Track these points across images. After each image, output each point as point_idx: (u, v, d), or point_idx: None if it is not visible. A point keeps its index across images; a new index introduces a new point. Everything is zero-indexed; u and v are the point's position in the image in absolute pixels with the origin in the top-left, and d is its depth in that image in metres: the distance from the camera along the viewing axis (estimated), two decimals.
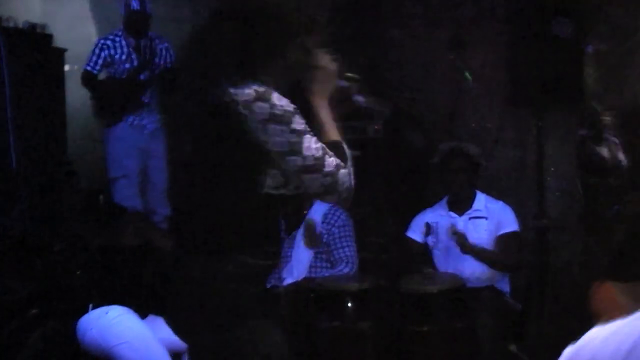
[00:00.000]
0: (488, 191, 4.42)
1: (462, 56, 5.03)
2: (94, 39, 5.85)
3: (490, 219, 4.30)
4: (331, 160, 2.14)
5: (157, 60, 5.54)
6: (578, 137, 4.65)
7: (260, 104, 2.12)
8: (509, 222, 4.27)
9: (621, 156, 4.92)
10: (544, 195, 4.43)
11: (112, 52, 5.50)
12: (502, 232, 4.25)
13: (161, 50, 5.59)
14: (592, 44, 4.83)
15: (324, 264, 4.45)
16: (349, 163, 2.21)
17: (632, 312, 1.44)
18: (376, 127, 4.61)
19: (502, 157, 4.90)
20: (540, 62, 4.42)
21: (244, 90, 2.14)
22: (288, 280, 4.34)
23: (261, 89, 2.14)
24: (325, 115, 2.25)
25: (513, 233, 4.26)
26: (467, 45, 5.08)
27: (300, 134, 2.13)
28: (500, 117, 4.85)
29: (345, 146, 2.27)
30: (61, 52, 5.69)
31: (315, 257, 4.45)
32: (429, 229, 4.27)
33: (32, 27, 5.68)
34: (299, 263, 4.44)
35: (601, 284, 3.11)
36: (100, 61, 5.50)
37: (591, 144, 4.86)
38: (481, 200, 4.37)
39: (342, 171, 2.16)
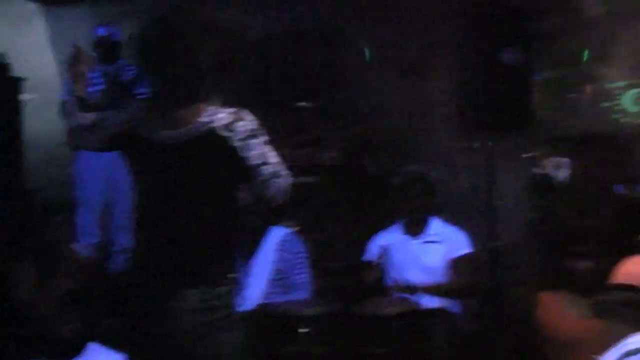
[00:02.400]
0: (441, 214, 4.49)
1: (415, 82, 5.15)
2: (52, 67, 5.85)
3: (444, 242, 4.36)
4: (282, 165, 2.37)
5: (125, 86, 5.51)
6: (525, 159, 4.77)
7: (240, 123, 2.29)
8: (462, 246, 4.35)
9: (566, 175, 5.02)
10: (495, 217, 4.52)
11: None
12: (456, 255, 4.33)
13: (131, 76, 5.55)
14: (541, 71, 4.96)
15: (279, 290, 4.47)
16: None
17: (581, 324, 1.48)
18: (331, 153, 4.67)
19: (455, 182, 4.99)
20: (491, 88, 4.55)
21: (218, 115, 2.29)
22: (244, 307, 4.35)
23: (234, 110, 2.31)
24: None
25: (466, 255, 4.33)
26: (421, 71, 5.19)
27: (266, 143, 2.34)
28: (454, 142, 4.94)
29: None
30: (18, 81, 5.68)
31: (271, 284, 4.47)
32: (383, 252, 4.31)
33: None
34: (255, 290, 4.45)
35: (550, 296, 3.21)
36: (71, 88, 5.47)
37: (538, 166, 4.98)
38: (436, 225, 4.43)
39: (289, 178, 2.40)
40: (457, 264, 4.30)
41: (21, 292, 3.93)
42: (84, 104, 2.65)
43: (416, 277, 4.25)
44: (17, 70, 5.72)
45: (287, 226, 4.73)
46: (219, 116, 2.30)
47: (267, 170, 2.32)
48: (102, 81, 5.47)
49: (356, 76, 5.39)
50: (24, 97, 5.86)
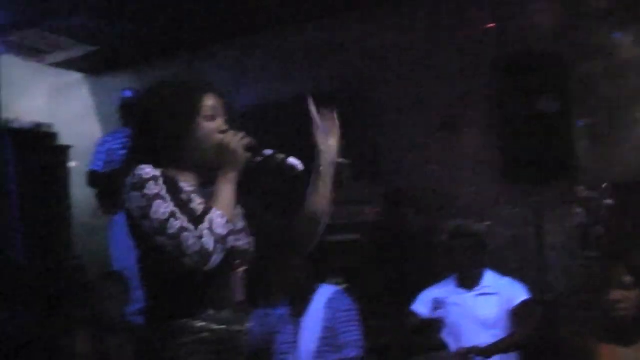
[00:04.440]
0: (492, 267, 4.45)
1: (454, 135, 5.15)
2: (98, 134, 6.00)
3: (500, 294, 4.30)
4: (176, 223, 2.15)
5: None
6: (574, 216, 4.71)
7: (129, 177, 2.22)
8: (520, 293, 4.28)
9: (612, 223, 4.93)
10: (546, 270, 4.45)
11: (112, 145, 5.63)
12: (515, 303, 4.27)
13: None
14: (581, 119, 4.93)
15: (330, 349, 4.45)
16: (220, 229, 2.18)
17: None
18: (372, 210, 4.67)
19: (502, 234, 4.94)
20: (530, 138, 4.53)
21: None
22: None
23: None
24: (224, 191, 2.28)
25: (527, 301, 4.27)
26: (459, 125, 5.20)
27: (151, 198, 2.17)
28: (497, 195, 4.91)
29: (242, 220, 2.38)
30: (66, 149, 5.83)
31: (321, 343, 4.46)
32: (438, 304, 4.27)
33: (38, 126, 5.85)
34: (306, 349, 4.45)
35: (605, 348, 3.16)
36: (101, 156, 5.62)
37: (587, 224, 4.90)
38: (490, 277, 4.39)
39: (185, 234, 2.13)
40: (518, 312, 4.23)
41: None
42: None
43: (472, 331, 4.21)
44: (63, 138, 5.88)
45: (336, 283, 4.74)
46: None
47: (146, 225, 2.17)
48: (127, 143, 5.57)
49: (394, 131, 5.42)
50: (70, 165, 6.01)
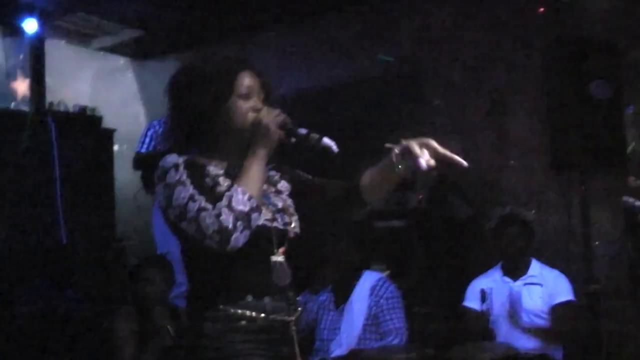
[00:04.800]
0: (536, 257, 4.37)
1: (502, 120, 5.08)
2: (142, 118, 6.03)
3: (545, 286, 4.24)
4: (194, 205, 2.10)
5: None
6: (623, 204, 4.58)
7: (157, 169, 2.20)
8: (564, 292, 4.21)
9: None
10: (592, 260, 4.36)
11: (158, 128, 5.65)
12: (557, 301, 4.19)
13: None
14: (633, 105, 4.80)
15: (373, 336, 4.43)
16: (238, 208, 2.10)
17: None
18: (419, 196, 4.62)
19: (548, 223, 4.85)
20: (580, 125, 4.42)
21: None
22: (337, 353, 4.33)
23: None
24: (251, 169, 2.20)
25: (568, 303, 4.19)
26: (507, 111, 5.11)
27: (171, 186, 2.14)
28: (544, 182, 4.82)
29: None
30: (110, 132, 5.87)
31: (364, 329, 4.44)
32: (484, 296, 4.21)
33: (82, 110, 5.90)
34: (348, 335, 4.43)
35: None
36: (147, 140, 5.65)
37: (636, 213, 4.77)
38: (536, 267, 4.33)
39: (203, 214, 2.07)
40: (559, 311, 4.17)
41: (120, 346, 4.01)
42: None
43: (517, 319, 4.15)
44: (108, 122, 5.92)
45: (379, 270, 4.70)
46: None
47: (169, 213, 2.14)
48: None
49: (441, 117, 5.35)
50: (115, 148, 6.06)
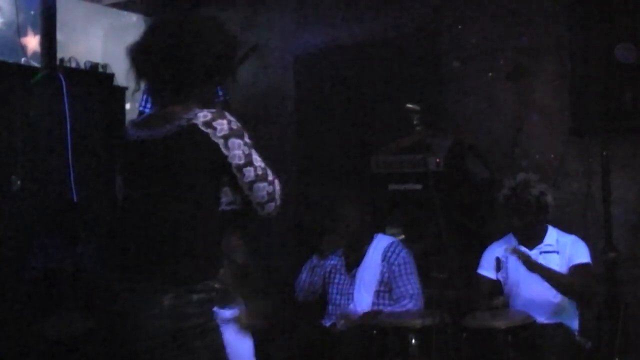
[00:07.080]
0: (553, 224, 4.29)
1: (522, 84, 4.96)
2: None
3: (561, 253, 4.15)
4: (270, 170, 2.36)
5: None
6: None
7: (220, 120, 2.28)
8: (581, 255, 4.12)
9: None
10: (611, 227, 4.28)
11: None
12: (573, 263, 4.11)
13: None
14: None
15: (387, 302, 4.38)
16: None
17: None
18: (437, 159, 4.53)
19: (567, 189, 4.76)
20: (603, 89, 4.31)
21: (197, 113, 2.29)
22: (352, 317, 4.31)
23: (214, 110, 2.31)
24: None
25: (585, 264, 4.11)
26: (528, 74, 4.99)
27: (250, 146, 2.32)
28: (564, 147, 4.72)
29: None
30: (122, 90, 5.79)
31: (377, 295, 4.39)
32: (499, 264, 4.13)
33: (94, 67, 5.81)
34: (362, 301, 4.38)
35: None
36: (145, 97, 5.54)
37: None
38: (552, 234, 4.23)
39: (277, 181, 2.37)
40: (576, 272, 4.09)
41: None
42: None
43: (532, 289, 4.09)
44: (120, 80, 5.83)
45: (393, 234, 4.63)
46: (200, 114, 2.30)
47: (251, 172, 2.30)
48: None
49: (460, 79, 5.23)
50: (127, 107, 5.98)
